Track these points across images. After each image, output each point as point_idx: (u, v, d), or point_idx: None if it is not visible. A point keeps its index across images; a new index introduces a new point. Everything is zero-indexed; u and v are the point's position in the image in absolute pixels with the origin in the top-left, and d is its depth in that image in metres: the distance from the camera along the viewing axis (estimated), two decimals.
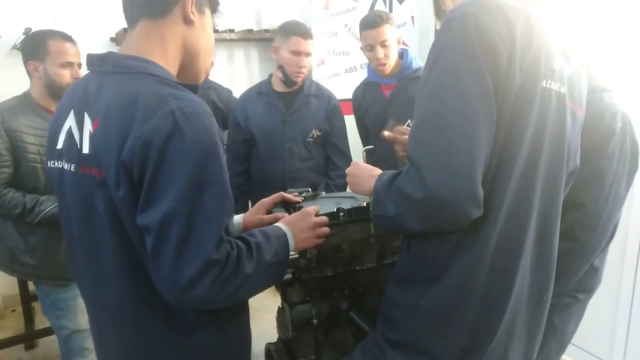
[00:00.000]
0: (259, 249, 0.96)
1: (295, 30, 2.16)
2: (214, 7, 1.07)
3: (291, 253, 1.06)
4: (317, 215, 1.17)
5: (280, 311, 1.37)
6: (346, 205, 1.31)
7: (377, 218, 0.99)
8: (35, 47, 1.76)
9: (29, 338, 2.74)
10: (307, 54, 2.18)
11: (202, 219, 0.84)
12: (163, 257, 0.83)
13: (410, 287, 1.01)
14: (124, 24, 1.01)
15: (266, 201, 1.32)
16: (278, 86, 2.29)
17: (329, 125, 2.35)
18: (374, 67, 2.25)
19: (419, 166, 0.84)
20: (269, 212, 1.32)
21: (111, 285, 0.95)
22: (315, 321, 1.27)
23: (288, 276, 1.27)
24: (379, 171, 1.11)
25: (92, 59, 0.97)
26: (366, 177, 1.13)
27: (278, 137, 2.28)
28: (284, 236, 1.05)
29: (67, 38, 1.80)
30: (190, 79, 1.05)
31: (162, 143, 0.81)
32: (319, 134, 2.32)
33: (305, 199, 1.40)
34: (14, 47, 2.94)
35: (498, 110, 0.85)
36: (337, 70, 3.64)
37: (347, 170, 1.22)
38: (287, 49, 2.16)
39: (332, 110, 2.35)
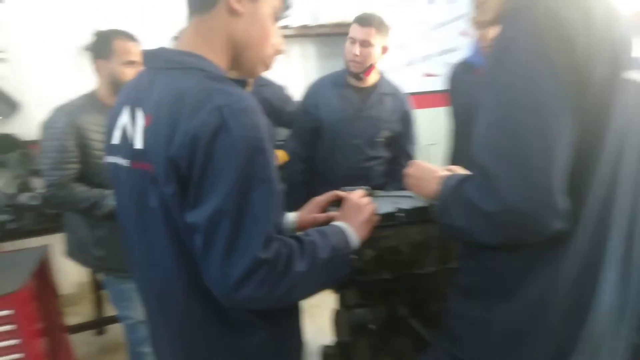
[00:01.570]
0: (313, 247, 0.93)
1: (355, 18, 2.12)
2: None
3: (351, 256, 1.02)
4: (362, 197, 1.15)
5: (336, 313, 1.34)
6: (404, 204, 1.24)
7: (444, 227, 0.93)
8: (101, 46, 1.83)
9: (98, 324, 2.90)
10: (363, 42, 2.08)
11: (251, 217, 0.82)
12: (212, 256, 0.82)
13: (477, 300, 0.94)
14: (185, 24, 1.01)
15: (320, 199, 1.29)
16: (352, 80, 2.24)
17: (402, 128, 2.28)
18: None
19: (489, 175, 0.77)
20: (324, 210, 1.29)
21: (164, 281, 0.95)
22: (372, 326, 1.23)
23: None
24: (442, 171, 1.04)
25: (146, 55, 0.98)
26: (428, 179, 1.06)
27: (347, 132, 2.23)
28: (340, 232, 1.02)
29: (131, 37, 1.86)
30: (246, 72, 1.03)
31: (209, 139, 0.80)
32: (388, 134, 2.26)
33: None
34: (85, 47, 3.10)
35: (575, 108, 0.76)
36: (395, 64, 3.54)
37: (407, 171, 1.16)
38: (347, 38, 2.12)
39: (406, 114, 2.28)
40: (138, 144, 0.91)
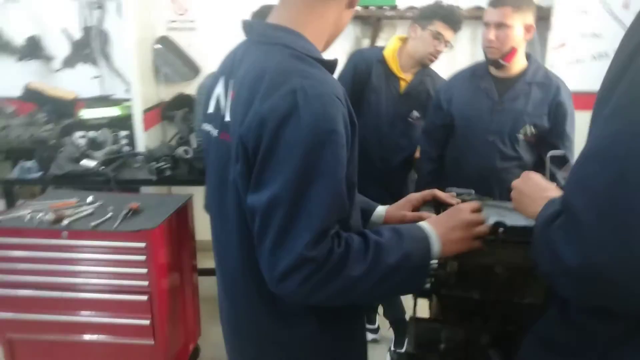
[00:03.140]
0: (379, 249, 0.84)
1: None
2: None
3: (433, 262, 0.90)
4: (475, 211, 0.97)
5: (409, 321, 1.21)
6: (512, 219, 1.05)
7: (534, 264, 0.77)
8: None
9: None
10: (498, 24, 1.89)
11: (305, 211, 0.78)
12: (264, 244, 0.81)
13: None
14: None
15: (414, 197, 1.17)
16: (493, 69, 2.00)
17: (551, 124, 1.93)
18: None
19: (578, 220, 0.61)
20: (416, 209, 1.16)
21: (230, 255, 0.97)
22: (442, 346, 1.08)
23: (426, 285, 1.12)
24: (554, 191, 0.85)
25: (244, 26, 0.98)
26: (534, 197, 0.89)
27: (481, 128, 1.99)
28: (424, 239, 0.90)
29: None
30: None
31: (277, 124, 0.78)
32: (533, 131, 1.94)
33: (463, 202, 1.18)
34: None
35: None
36: (580, 56, 3.02)
37: (514, 183, 0.97)
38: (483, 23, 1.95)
39: (559, 108, 1.91)
40: (227, 116, 0.92)
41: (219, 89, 0.98)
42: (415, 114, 2.32)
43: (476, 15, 3.25)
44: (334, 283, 0.79)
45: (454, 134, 2.12)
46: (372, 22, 3.24)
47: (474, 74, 2.07)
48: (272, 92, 0.79)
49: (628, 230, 0.56)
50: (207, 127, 1.03)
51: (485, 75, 2.01)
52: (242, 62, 0.91)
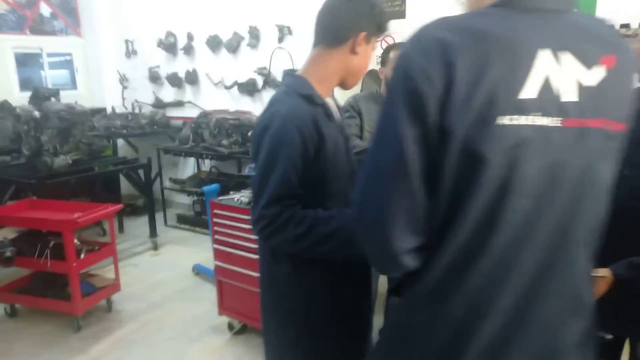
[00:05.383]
0: (317, 220, 1.22)
1: None
2: (381, 34, 1.32)
3: None
4: None
5: None
6: None
7: None
8: (383, 55, 2.34)
9: None
10: None
11: (266, 186, 1.23)
12: (252, 202, 1.30)
13: None
14: None
15: None
16: None
17: None
18: None
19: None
20: None
21: None
22: None
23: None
24: None
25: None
26: None
27: None
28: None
29: None
30: (345, 88, 1.39)
31: (261, 132, 1.26)
32: None
33: None
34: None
35: (436, 160, 0.76)
36: None
37: None
38: None
39: None
40: None
41: None
42: None
43: None
44: (281, 235, 1.22)
45: None
46: None
47: None
48: (266, 112, 1.28)
49: (364, 218, 0.84)
50: None
51: None
52: None
